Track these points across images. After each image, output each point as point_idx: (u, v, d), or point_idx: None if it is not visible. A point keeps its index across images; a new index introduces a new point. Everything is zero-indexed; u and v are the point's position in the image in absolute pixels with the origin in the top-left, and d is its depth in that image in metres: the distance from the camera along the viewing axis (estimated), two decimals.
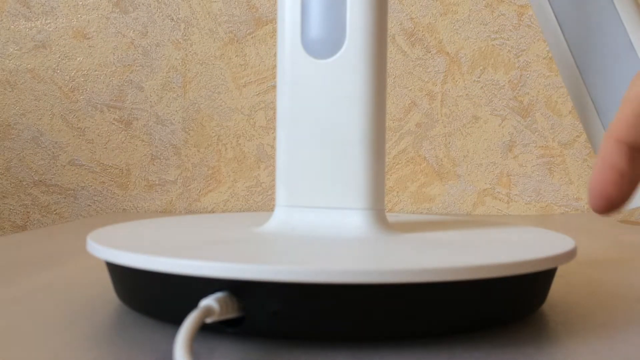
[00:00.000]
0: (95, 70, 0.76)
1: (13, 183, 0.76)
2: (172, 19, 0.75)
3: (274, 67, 0.75)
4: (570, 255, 0.24)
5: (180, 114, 0.76)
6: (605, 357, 0.20)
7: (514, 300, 0.23)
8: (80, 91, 0.76)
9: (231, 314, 0.20)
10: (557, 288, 0.30)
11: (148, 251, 0.22)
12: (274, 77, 0.75)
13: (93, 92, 0.76)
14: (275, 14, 0.75)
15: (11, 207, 0.76)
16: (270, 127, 0.75)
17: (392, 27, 0.74)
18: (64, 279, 0.32)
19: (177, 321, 0.21)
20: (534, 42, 0.74)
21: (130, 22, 0.76)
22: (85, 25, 0.76)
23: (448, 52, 0.74)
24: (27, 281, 0.31)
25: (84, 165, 0.76)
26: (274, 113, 0.75)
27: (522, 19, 0.74)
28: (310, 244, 0.24)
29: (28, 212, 0.76)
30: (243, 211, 0.75)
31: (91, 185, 0.76)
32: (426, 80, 0.74)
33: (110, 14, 0.76)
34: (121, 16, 0.76)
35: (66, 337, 0.22)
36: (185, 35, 0.75)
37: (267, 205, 0.75)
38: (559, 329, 0.24)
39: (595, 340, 0.22)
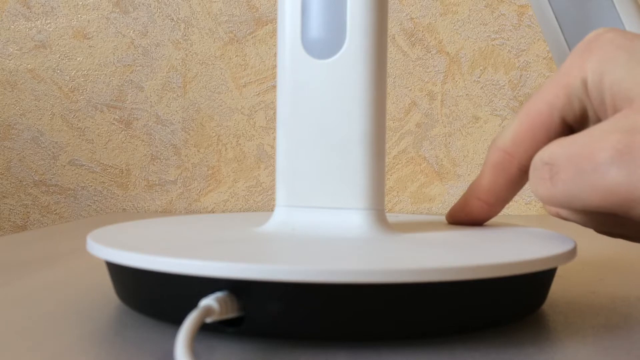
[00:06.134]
0: (95, 70, 0.76)
1: (13, 183, 0.76)
2: (172, 19, 0.75)
3: (274, 67, 0.75)
4: (570, 255, 0.24)
5: (180, 114, 0.76)
6: (605, 357, 0.20)
7: (514, 300, 0.23)
8: (80, 91, 0.76)
9: (231, 314, 0.20)
10: (557, 288, 0.30)
11: (148, 251, 0.22)
12: (274, 77, 0.75)
13: (93, 92, 0.76)
14: (275, 14, 0.75)
15: (11, 207, 0.76)
16: (270, 127, 0.75)
17: (392, 27, 0.74)
18: (64, 279, 0.32)
19: (177, 321, 0.21)
20: (534, 42, 0.74)
21: (130, 22, 0.76)
22: (85, 25, 0.76)
23: (448, 52, 0.74)
24: (27, 281, 0.31)
25: (84, 165, 0.76)
26: (274, 113, 0.75)
27: (522, 19, 0.74)
28: (310, 244, 0.24)
29: (28, 212, 0.76)
30: (243, 211, 0.75)
31: (91, 185, 0.76)
32: (426, 80, 0.74)
33: (110, 14, 0.76)
34: (121, 16, 0.76)
35: (66, 337, 0.22)
36: (185, 35, 0.75)
37: (267, 205, 0.75)
38: (559, 329, 0.24)
39: (595, 340, 0.22)
